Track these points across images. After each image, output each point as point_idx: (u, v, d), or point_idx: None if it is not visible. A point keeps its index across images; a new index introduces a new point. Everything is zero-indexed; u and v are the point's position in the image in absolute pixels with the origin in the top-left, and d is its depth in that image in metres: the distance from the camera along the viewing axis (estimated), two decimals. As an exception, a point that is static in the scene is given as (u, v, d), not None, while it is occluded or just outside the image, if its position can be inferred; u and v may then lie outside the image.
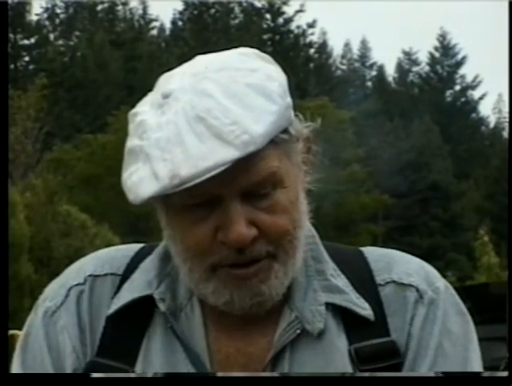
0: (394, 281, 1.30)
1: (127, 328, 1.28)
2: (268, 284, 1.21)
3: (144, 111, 1.22)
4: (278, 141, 1.19)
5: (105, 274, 1.32)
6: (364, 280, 1.30)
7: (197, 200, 1.18)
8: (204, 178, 1.13)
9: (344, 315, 1.27)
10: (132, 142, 1.21)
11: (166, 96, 1.20)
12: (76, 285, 1.32)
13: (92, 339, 1.29)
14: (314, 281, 1.28)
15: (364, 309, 1.27)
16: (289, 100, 1.21)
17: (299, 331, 1.25)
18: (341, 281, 1.29)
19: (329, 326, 1.26)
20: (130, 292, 1.29)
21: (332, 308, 1.27)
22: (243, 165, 1.15)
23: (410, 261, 1.33)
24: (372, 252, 1.34)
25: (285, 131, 1.20)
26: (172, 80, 1.22)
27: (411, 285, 1.30)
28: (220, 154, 1.13)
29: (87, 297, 1.31)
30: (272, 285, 1.21)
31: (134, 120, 1.22)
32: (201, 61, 1.25)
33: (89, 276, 1.32)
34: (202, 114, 1.15)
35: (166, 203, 1.22)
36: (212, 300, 1.23)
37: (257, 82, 1.18)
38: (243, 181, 1.17)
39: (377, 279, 1.30)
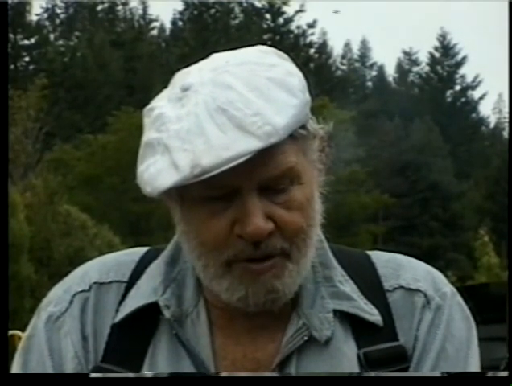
0: (402, 287, 1.30)
1: (133, 335, 1.27)
2: (281, 281, 1.20)
3: (162, 105, 1.20)
4: (297, 136, 1.19)
5: (110, 282, 1.31)
6: (372, 285, 1.29)
7: (215, 192, 1.17)
8: (225, 167, 1.12)
9: (352, 321, 1.27)
10: (149, 136, 1.19)
11: (185, 89, 1.19)
12: (81, 291, 1.31)
13: (96, 346, 1.28)
14: (322, 287, 1.28)
15: (372, 314, 1.27)
16: (308, 96, 1.20)
17: (306, 338, 1.24)
18: (349, 287, 1.28)
19: (337, 332, 1.25)
20: (136, 299, 1.28)
21: (340, 314, 1.26)
22: (262, 158, 1.15)
23: (418, 267, 1.33)
24: (379, 257, 1.34)
25: (303, 127, 1.20)
26: (190, 75, 1.21)
27: (419, 291, 1.30)
28: (243, 145, 1.12)
29: (92, 305, 1.30)
30: (285, 283, 1.21)
31: (151, 114, 1.21)
32: (219, 57, 1.24)
33: (94, 283, 1.32)
34: (224, 106, 1.15)
35: (182, 196, 1.20)
36: (225, 296, 1.22)
37: (278, 76, 1.18)
38: (262, 174, 1.17)
39: (385, 285, 1.30)
